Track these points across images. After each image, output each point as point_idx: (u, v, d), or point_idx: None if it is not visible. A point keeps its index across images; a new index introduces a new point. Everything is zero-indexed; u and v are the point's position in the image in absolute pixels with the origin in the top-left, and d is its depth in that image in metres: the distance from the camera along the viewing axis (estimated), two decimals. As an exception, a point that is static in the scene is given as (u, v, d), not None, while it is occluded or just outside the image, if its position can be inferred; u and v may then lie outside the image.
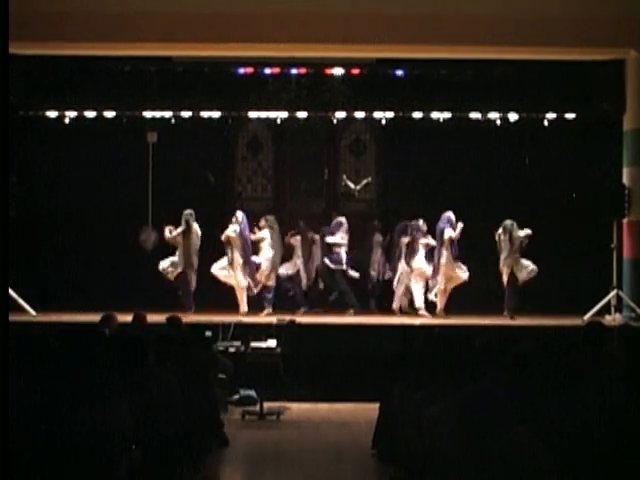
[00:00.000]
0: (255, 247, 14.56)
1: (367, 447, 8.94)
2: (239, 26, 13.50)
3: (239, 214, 14.45)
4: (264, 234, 14.61)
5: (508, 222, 14.21)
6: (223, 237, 14.26)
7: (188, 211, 14.19)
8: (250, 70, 14.73)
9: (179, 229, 14.12)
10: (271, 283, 14.60)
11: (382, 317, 14.27)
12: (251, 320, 13.28)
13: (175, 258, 14.23)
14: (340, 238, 14.94)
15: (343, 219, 15.10)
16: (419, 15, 13.50)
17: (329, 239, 14.99)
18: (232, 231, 14.28)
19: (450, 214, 14.40)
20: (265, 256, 14.53)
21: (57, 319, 12.92)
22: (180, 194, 15.53)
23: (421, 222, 14.72)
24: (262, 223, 14.67)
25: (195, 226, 14.25)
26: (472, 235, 15.03)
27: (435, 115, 15.04)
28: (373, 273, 15.52)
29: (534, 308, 14.17)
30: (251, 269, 14.36)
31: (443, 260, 14.30)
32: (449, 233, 14.24)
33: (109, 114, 14.82)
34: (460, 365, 5.45)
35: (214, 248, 14.60)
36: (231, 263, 14.29)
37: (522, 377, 5.12)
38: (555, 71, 14.70)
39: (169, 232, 14.10)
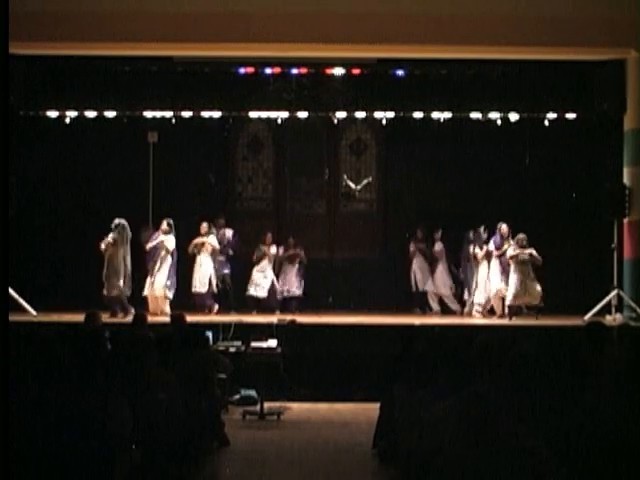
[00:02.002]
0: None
1: (368, 447, 8.94)
2: (240, 26, 13.49)
3: (171, 221, 14.41)
4: (212, 240, 14.67)
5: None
6: (157, 244, 14.29)
7: (118, 220, 14.00)
8: (251, 70, 14.72)
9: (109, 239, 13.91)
10: None
11: (382, 317, 14.26)
12: (251, 320, 13.28)
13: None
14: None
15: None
16: (419, 15, 13.50)
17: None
18: (171, 240, 14.31)
19: (503, 225, 14.59)
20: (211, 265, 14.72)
21: (57, 319, 12.93)
22: (181, 194, 15.55)
23: (482, 229, 14.90)
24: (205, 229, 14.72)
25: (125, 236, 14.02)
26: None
27: (435, 115, 15.04)
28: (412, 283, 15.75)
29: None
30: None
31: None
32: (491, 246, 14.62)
33: (110, 114, 14.82)
34: (460, 365, 5.45)
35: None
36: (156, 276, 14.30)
37: (522, 377, 5.11)
38: (555, 71, 14.69)
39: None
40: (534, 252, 14.05)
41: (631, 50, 13.96)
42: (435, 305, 15.62)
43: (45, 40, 13.61)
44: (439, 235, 15.52)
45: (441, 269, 15.53)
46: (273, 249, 15.24)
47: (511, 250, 14.18)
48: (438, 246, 15.50)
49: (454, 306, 15.48)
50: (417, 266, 15.67)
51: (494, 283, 14.47)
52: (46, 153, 15.47)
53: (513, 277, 14.07)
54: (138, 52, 14.14)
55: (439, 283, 15.53)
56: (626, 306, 13.93)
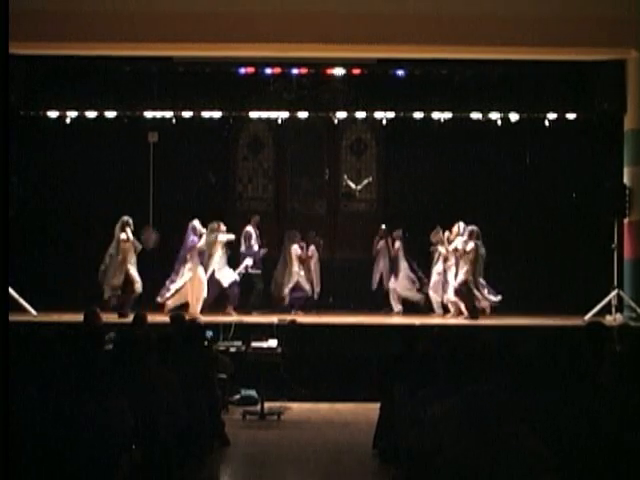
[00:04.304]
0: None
1: (368, 447, 8.94)
2: (240, 26, 13.49)
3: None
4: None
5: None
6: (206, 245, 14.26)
7: (125, 218, 13.97)
8: (251, 70, 14.73)
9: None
10: None
11: (382, 317, 14.28)
12: (252, 320, 13.29)
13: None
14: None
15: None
16: (419, 15, 13.50)
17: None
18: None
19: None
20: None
21: (57, 319, 12.93)
22: (181, 194, 15.56)
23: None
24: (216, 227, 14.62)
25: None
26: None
27: (436, 115, 15.04)
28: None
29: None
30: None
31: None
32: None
33: (110, 114, 14.83)
34: (460, 365, 5.45)
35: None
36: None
37: (523, 377, 5.11)
38: (556, 71, 14.70)
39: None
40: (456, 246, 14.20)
41: (631, 50, 13.96)
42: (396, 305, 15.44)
43: (45, 40, 13.62)
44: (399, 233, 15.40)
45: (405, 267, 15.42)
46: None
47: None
48: (398, 244, 15.40)
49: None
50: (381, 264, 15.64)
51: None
52: (46, 153, 15.47)
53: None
54: (138, 52, 14.15)
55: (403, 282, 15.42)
56: (626, 306, 13.94)
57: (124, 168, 15.45)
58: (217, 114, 15.17)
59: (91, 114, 14.81)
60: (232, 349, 11.64)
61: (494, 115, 14.97)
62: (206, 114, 15.04)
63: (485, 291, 14.12)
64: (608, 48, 13.97)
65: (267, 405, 11.06)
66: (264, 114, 15.53)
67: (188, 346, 8.59)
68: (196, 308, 13.99)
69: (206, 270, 14.21)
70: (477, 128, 15.12)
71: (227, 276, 14.46)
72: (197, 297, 14.14)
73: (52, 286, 14.74)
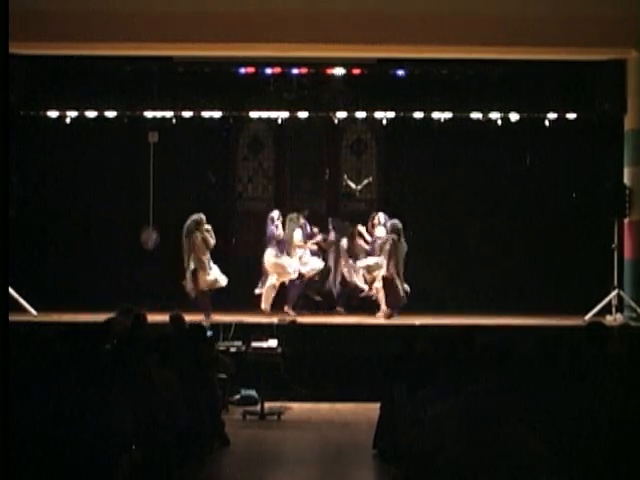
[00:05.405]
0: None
1: (368, 447, 8.94)
2: (240, 26, 13.49)
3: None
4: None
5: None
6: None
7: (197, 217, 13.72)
8: (251, 70, 14.72)
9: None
10: None
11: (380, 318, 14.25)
12: (252, 320, 13.28)
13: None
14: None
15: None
16: (419, 15, 13.49)
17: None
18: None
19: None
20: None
21: (58, 319, 12.93)
22: (181, 194, 15.55)
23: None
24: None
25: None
26: (469, 234, 15.08)
27: (436, 115, 15.03)
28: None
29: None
30: None
31: None
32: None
33: (110, 114, 14.81)
34: (460, 365, 5.46)
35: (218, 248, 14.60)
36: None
37: (523, 377, 5.11)
38: (556, 71, 14.69)
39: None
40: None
41: (631, 50, 13.95)
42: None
43: (45, 40, 13.61)
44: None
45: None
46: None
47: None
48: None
49: None
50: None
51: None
52: (46, 153, 15.46)
53: None
54: (138, 52, 14.13)
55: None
56: (626, 306, 13.93)
57: (124, 168, 15.44)
58: (217, 114, 15.15)
59: (91, 114, 14.80)
60: (232, 349, 11.65)
61: (494, 115, 14.96)
62: (206, 114, 15.03)
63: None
64: (608, 48, 13.96)
65: (267, 405, 11.06)
66: (264, 114, 15.51)
67: (188, 346, 8.59)
68: (266, 304, 13.95)
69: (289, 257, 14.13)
70: (477, 128, 15.11)
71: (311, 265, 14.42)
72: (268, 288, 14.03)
73: (52, 286, 14.72)
